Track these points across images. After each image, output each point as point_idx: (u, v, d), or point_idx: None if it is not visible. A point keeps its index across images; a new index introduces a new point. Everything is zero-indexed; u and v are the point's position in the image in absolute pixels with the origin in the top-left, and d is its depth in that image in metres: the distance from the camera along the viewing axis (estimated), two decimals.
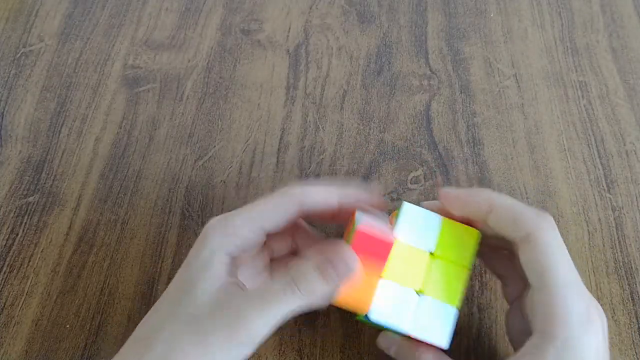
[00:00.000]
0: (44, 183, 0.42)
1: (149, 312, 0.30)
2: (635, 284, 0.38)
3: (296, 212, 0.31)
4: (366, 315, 0.30)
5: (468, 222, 0.31)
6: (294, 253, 0.36)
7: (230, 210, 0.41)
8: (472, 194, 0.31)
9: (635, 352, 0.35)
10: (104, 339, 0.36)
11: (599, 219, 0.41)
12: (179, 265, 0.38)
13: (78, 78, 0.48)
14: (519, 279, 0.32)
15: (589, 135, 0.45)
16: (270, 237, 0.33)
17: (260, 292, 0.28)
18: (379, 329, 0.33)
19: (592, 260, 0.39)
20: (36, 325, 0.36)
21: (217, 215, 0.40)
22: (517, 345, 0.31)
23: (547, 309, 0.27)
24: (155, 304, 0.31)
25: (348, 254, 0.29)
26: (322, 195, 0.32)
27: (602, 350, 0.27)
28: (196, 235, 0.39)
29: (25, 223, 0.40)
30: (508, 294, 0.33)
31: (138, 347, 0.29)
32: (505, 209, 0.29)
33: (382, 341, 0.33)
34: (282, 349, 0.36)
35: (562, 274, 0.28)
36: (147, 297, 0.37)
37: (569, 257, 0.29)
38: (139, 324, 0.30)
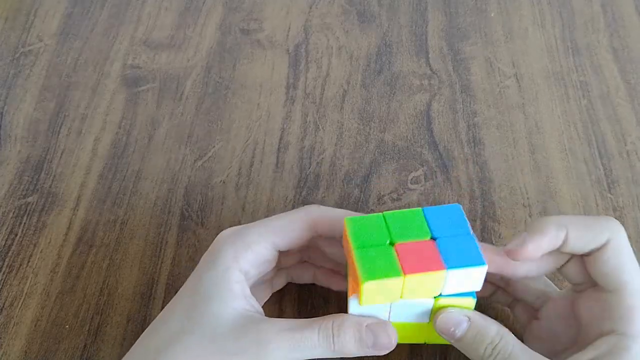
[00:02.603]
0: (43, 183, 0.42)
1: (156, 324, 0.30)
2: None
3: (310, 232, 0.31)
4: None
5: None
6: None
7: (229, 211, 0.41)
8: (543, 233, 0.29)
9: None
10: (103, 339, 0.36)
11: None
12: (179, 266, 0.38)
13: (77, 78, 0.48)
14: (526, 303, 0.33)
15: (590, 135, 0.45)
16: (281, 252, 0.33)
17: (292, 330, 0.28)
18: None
19: None
20: (35, 325, 0.36)
21: (215, 214, 0.41)
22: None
23: (626, 310, 0.28)
24: (161, 316, 0.30)
25: (391, 329, 0.29)
26: (336, 216, 0.31)
27: None
28: (196, 235, 0.39)
29: (24, 223, 0.40)
30: (520, 318, 0.34)
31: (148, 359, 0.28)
32: (578, 225, 0.29)
33: (443, 322, 0.29)
34: None
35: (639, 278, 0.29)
36: (146, 297, 0.37)
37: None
38: (144, 336, 0.30)
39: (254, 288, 0.33)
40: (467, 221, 0.30)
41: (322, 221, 0.31)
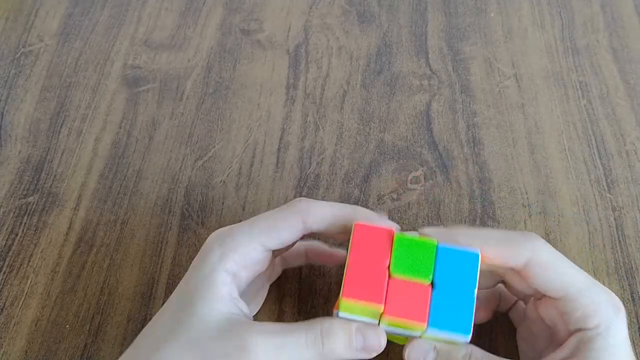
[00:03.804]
0: (44, 183, 0.42)
1: (147, 328, 0.30)
2: (636, 284, 0.38)
3: (300, 229, 0.30)
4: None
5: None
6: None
7: (229, 211, 0.41)
8: (459, 240, 0.29)
9: (636, 353, 0.35)
10: (104, 339, 0.36)
11: (600, 219, 0.41)
12: (179, 266, 0.38)
13: (78, 78, 0.48)
14: (519, 303, 0.34)
15: (589, 135, 0.45)
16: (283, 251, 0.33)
17: (279, 334, 0.28)
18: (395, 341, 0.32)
19: (592, 261, 0.39)
20: (36, 325, 0.36)
21: (216, 214, 0.41)
22: (532, 355, 0.33)
23: (580, 311, 0.29)
24: (153, 320, 0.30)
25: (381, 331, 0.29)
26: (326, 212, 0.30)
27: (626, 334, 0.29)
28: (196, 235, 0.40)
29: (25, 223, 0.40)
30: (514, 319, 0.35)
31: None
32: (493, 243, 0.29)
33: (412, 353, 0.29)
34: None
35: (578, 279, 0.29)
36: (146, 297, 0.37)
37: (570, 263, 0.30)
38: (137, 339, 0.30)
39: (251, 285, 0.33)
40: (477, 277, 0.28)
41: (312, 218, 0.30)
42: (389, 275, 0.28)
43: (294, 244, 0.32)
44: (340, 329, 0.28)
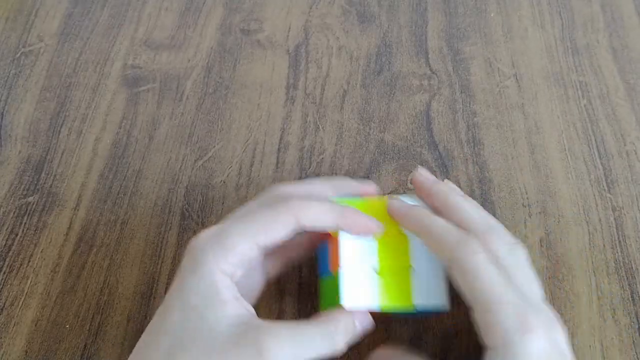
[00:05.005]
0: (44, 183, 0.42)
1: (146, 341, 0.29)
2: (636, 284, 0.38)
3: (294, 228, 0.30)
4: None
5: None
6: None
7: (229, 211, 0.41)
8: (409, 213, 0.32)
9: (636, 352, 0.35)
10: (104, 339, 0.36)
11: (600, 219, 0.41)
12: (179, 266, 0.38)
13: (78, 78, 0.48)
14: None
15: (589, 135, 0.45)
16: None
17: (292, 335, 0.28)
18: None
19: (592, 261, 0.39)
20: (36, 325, 0.36)
21: (216, 214, 0.41)
22: None
23: (484, 325, 0.28)
24: (150, 333, 0.29)
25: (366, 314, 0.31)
26: (320, 214, 0.31)
27: (550, 354, 0.27)
28: (196, 235, 0.40)
29: (25, 223, 0.40)
30: None
31: None
32: (428, 235, 0.31)
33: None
34: None
35: (490, 292, 0.28)
36: (146, 297, 0.37)
37: (496, 275, 0.29)
38: (136, 352, 0.29)
39: (245, 281, 0.32)
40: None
41: (305, 218, 0.30)
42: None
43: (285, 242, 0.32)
44: (348, 325, 0.30)
